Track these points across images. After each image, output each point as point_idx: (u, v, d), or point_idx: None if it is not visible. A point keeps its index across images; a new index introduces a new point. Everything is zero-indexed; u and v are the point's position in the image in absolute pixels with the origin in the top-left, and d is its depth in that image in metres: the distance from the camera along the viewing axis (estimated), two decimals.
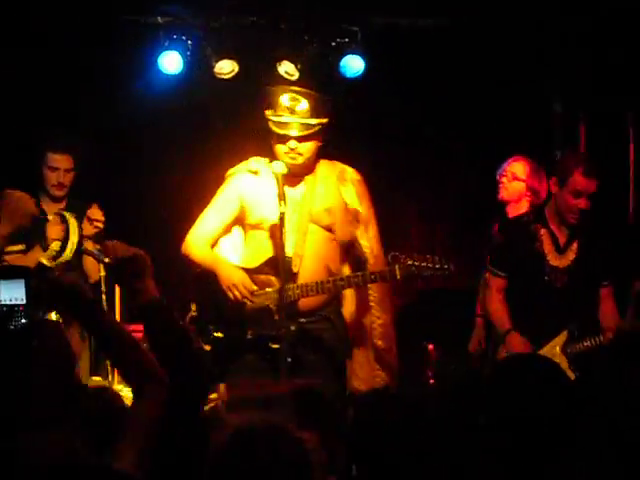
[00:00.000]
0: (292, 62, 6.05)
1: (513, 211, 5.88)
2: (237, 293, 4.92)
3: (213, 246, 5.18)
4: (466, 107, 6.86)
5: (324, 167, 5.16)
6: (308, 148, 5.00)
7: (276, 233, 4.88)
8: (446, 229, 7.18)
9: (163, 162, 6.75)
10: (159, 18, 6.24)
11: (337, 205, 5.10)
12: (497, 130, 6.80)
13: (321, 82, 5.75)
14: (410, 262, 4.84)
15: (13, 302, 3.30)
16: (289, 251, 4.95)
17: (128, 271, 3.12)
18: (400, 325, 5.56)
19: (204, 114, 6.69)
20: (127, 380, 2.88)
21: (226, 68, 6.12)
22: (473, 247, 6.41)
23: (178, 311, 5.48)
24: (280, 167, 4.89)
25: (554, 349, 5.04)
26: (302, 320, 4.94)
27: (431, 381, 6.18)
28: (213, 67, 6.14)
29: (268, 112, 5.02)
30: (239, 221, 5.18)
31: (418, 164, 7.03)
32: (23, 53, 6.29)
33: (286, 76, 6.00)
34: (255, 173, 5.10)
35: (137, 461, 2.46)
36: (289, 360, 4.71)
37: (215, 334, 4.97)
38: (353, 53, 6.18)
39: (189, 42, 6.16)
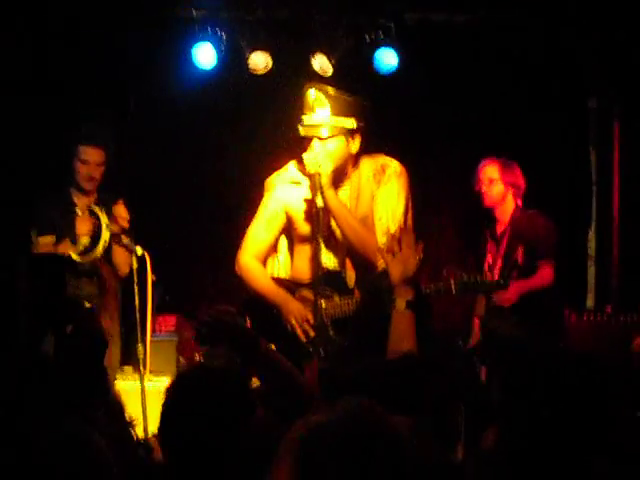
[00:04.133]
0: (326, 57, 6.03)
1: (501, 213, 5.94)
2: (299, 331, 4.82)
3: (265, 259, 5.08)
4: (500, 103, 6.83)
5: (365, 165, 4.99)
6: (330, 151, 4.81)
7: (326, 238, 4.81)
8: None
9: (197, 157, 6.77)
10: (194, 11, 6.25)
11: (370, 213, 4.96)
12: (532, 126, 6.77)
13: (354, 79, 5.71)
14: (466, 278, 4.79)
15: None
16: (339, 262, 4.89)
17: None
18: None
19: (238, 108, 6.69)
20: (277, 403, 2.96)
21: (260, 63, 6.12)
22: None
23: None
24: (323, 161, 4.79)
25: None
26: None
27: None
28: (247, 61, 6.14)
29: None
30: (286, 232, 5.08)
31: (452, 160, 7.00)
32: (58, 46, 6.33)
33: (320, 72, 5.98)
34: (297, 184, 4.96)
35: None
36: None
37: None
38: (387, 48, 6.17)
39: (223, 36, 6.15)
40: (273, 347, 4.78)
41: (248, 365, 3.08)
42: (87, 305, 5.56)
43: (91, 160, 5.65)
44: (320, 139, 4.82)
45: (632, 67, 6.58)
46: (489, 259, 5.96)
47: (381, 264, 4.84)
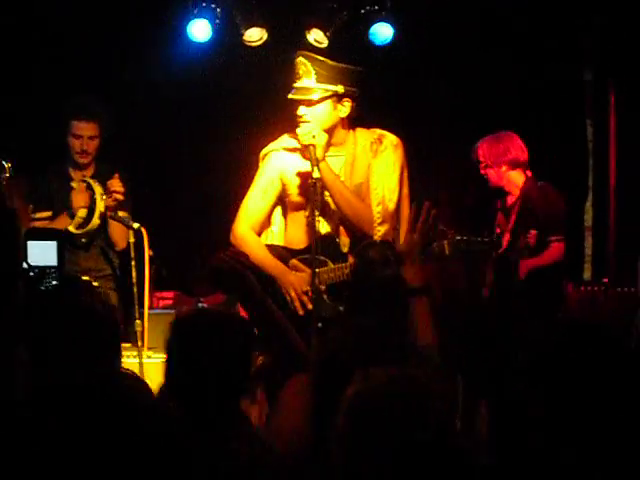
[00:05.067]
0: (321, 30, 6.02)
1: (510, 187, 5.85)
2: (297, 304, 4.84)
3: (261, 230, 5.08)
4: (495, 76, 6.82)
5: (361, 136, 5.04)
6: (317, 115, 4.87)
7: (321, 208, 4.81)
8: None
9: (192, 131, 6.77)
10: None
11: (365, 182, 4.99)
12: (528, 99, 6.76)
13: (349, 51, 5.70)
14: (459, 237, 4.73)
15: (45, 264, 3.34)
16: (333, 229, 4.91)
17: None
18: None
19: (233, 82, 6.68)
20: (275, 362, 3.03)
21: (255, 36, 6.10)
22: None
23: None
24: (317, 133, 4.80)
25: None
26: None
27: None
28: (242, 35, 6.13)
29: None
30: (280, 200, 5.09)
31: (447, 132, 6.99)
32: (51, 21, 6.33)
33: (315, 44, 5.96)
34: (292, 151, 4.99)
35: None
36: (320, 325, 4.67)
37: None
38: (382, 21, 6.15)
39: (218, 10, 6.13)
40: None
41: (251, 315, 3.14)
42: (90, 282, 5.55)
43: (84, 134, 5.64)
44: (307, 105, 4.85)
45: (627, 39, 6.58)
46: (497, 231, 5.92)
47: (375, 234, 4.90)
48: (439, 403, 2.08)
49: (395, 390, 2.08)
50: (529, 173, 5.89)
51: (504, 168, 5.85)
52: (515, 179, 5.87)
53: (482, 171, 5.90)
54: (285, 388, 2.94)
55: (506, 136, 5.90)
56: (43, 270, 3.37)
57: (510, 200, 5.93)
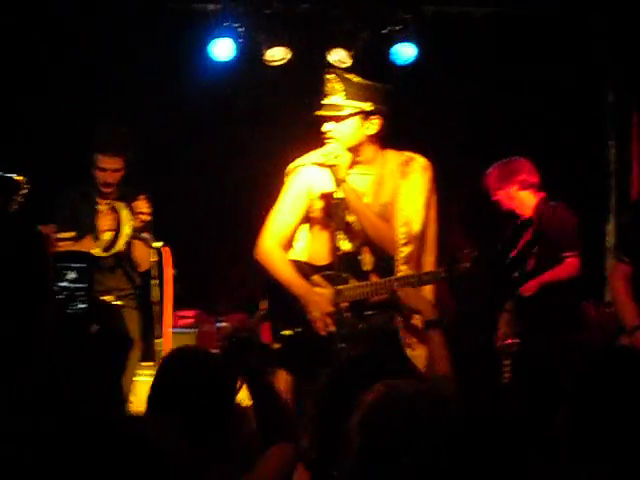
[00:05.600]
0: (344, 50, 6.03)
1: (523, 210, 5.83)
2: (320, 324, 4.79)
3: (287, 245, 5.04)
4: (517, 96, 6.81)
5: (390, 157, 5.00)
6: (344, 132, 4.83)
7: (344, 228, 4.79)
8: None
9: (215, 149, 6.77)
10: (211, 5, 6.25)
11: (392, 202, 4.95)
12: (550, 120, 6.75)
13: (373, 70, 5.70)
14: (466, 264, 4.64)
15: (75, 286, 3.35)
16: (355, 246, 4.87)
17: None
18: None
19: (255, 101, 6.69)
20: (264, 435, 3.06)
21: (278, 55, 6.12)
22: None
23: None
24: (340, 154, 4.81)
25: None
26: (370, 312, 4.87)
27: None
28: (264, 54, 6.14)
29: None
30: (306, 215, 5.03)
31: (467, 152, 6.98)
32: (75, 44, 6.36)
33: (338, 64, 5.98)
34: (320, 165, 4.92)
35: None
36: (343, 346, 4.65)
37: (284, 332, 4.91)
38: (405, 41, 6.16)
39: (240, 29, 6.15)
40: (289, 332, 4.85)
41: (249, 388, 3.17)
42: (113, 302, 5.55)
43: (108, 167, 5.64)
44: (335, 121, 4.83)
45: None
46: (513, 252, 5.90)
47: (398, 254, 4.88)
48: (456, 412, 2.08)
49: (417, 400, 2.07)
50: (542, 194, 5.88)
51: (514, 188, 5.84)
52: (527, 200, 5.86)
53: (493, 197, 5.91)
54: (267, 455, 2.94)
55: (515, 159, 5.91)
56: (72, 292, 3.37)
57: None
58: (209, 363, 2.96)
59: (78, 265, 3.34)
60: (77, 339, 2.70)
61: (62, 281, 3.37)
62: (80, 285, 3.32)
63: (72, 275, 3.33)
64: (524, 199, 5.86)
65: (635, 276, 4.97)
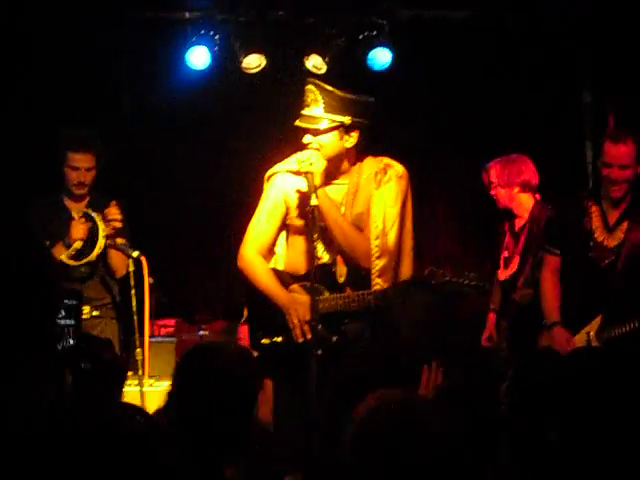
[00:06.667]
0: (320, 56, 6.03)
1: (519, 209, 5.86)
2: (298, 332, 4.78)
3: (268, 253, 5.02)
4: (494, 99, 6.83)
5: (367, 165, 4.97)
6: (323, 145, 4.79)
7: (321, 236, 4.79)
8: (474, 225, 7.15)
9: (192, 158, 6.77)
10: (187, 13, 6.25)
11: (366, 212, 4.92)
12: (526, 121, 6.77)
13: (349, 77, 5.71)
14: (447, 277, 4.69)
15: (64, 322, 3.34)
16: (331, 257, 4.87)
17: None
18: None
19: (232, 109, 6.69)
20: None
21: (253, 63, 6.12)
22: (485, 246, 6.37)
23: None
24: (315, 160, 4.79)
25: (589, 334, 4.91)
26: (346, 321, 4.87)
27: None
28: (241, 62, 6.14)
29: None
30: (283, 222, 5.02)
31: (446, 156, 7.00)
32: (51, 48, 6.33)
33: (314, 70, 5.99)
34: (296, 173, 4.88)
35: None
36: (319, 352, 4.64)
37: (263, 341, 4.91)
38: (381, 46, 6.17)
39: (217, 37, 6.15)
40: (268, 340, 4.85)
41: None
42: (92, 314, 5.52)
43: (81, 166, 5.57)
44: (314, 134, 4.81)
45: (626, 60, 6.59)
46: (505, 254, 5.91)
47: (372, 267, 4.87)
48: (442, 428, 2.08)
49: (402, 412, 2.08)
50: (538, 197, 5.89)
51: (516, 190, 5.84)
52: (525, 202, 5.86)
53: (492, 192, 5.89)
54: None
55: (519, 159, 5.90)
56: (62, 329, 3.37)
57: (519, 223, 5.92)
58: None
59: (67, 302, 3.34)
60: (71, 376, 2.68)
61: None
62: (69, 322, 3.32)
63: (61, 312, 3.32)
64: (523, 201, 5.86)
65: (564, 267, 5.08)
